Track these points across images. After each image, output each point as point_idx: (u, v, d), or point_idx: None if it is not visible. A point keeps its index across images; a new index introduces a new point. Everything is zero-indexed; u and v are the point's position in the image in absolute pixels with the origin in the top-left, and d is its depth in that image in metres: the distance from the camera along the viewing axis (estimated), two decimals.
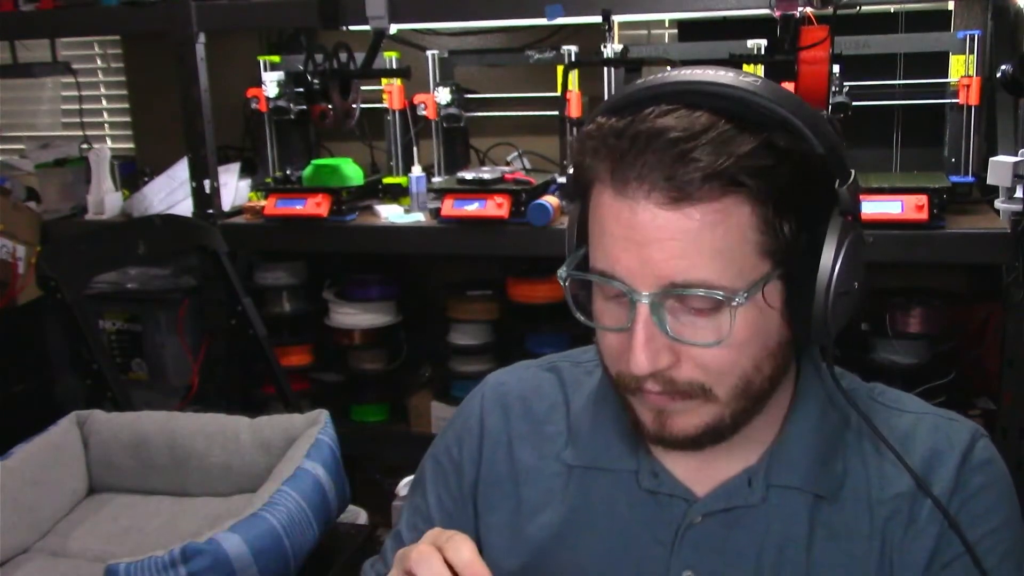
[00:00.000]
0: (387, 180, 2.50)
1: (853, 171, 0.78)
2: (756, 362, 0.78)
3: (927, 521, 0.82)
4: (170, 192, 2.54)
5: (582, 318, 0.83)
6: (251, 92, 2.46)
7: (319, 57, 2.26)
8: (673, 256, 0.73)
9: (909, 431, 0.86)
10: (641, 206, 0.73)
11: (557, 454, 0.92)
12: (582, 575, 0.88)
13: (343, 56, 2.27)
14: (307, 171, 2.37)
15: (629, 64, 2.17)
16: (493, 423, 0.96)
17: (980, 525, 0.82)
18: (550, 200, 2.16)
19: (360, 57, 2.30)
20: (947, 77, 2.16)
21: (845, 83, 2.04)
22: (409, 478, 2.28)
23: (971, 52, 2.11)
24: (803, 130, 0.75)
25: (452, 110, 2.39)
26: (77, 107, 2.97)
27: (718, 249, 0.73)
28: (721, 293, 0.73)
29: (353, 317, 2.54)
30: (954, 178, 2.10)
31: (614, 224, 0.75)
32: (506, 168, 2.45)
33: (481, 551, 0.93)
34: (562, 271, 0.83)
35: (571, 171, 0.82)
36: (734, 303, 0.74)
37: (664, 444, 0.82)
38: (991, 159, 1.94)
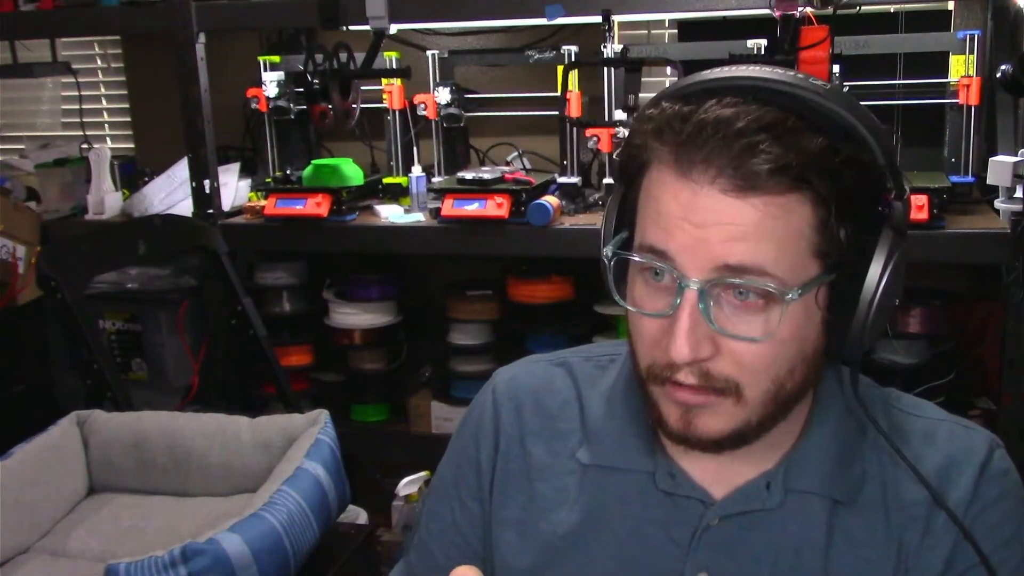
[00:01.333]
0: (387, 180, 2.50)
1: (907, 186, 0.78)
2: (791, 366, 0.78)
3: (943, 530, 0.82)
4: (170, 192, 2.54)
5: (621, 300, 0.81)
6: (251, 92, 2.46)
7: (319, 57, 2.26)
8: (731, 239, 0.72)
9: (926, 438, 0.86)
10: (704, 190, 0.73)
11: (571, 452, 0.91)
12: (597, 575, 0.87)
13: (343, 56, 2.27)
14: (307, 171, 2.37)
15: (629, 64, 2.17)
16: (506, 419, 0.95)
17: (995, 536, 0.82)
18: (550, 200, 2.16)
19: (360, 57, 2.30)
20: (947, 77, 2.16)
21: (845, 83, 2.04)
22: (409, 478, 2.29)
23: (971, 52, 2.11)
24: (868, 139, 0.75)
25: (452, 110, 2.39)
26: (77, 107, 2.97)
27: (776, 241, 0.73)
28: (774, 285, 0.73)
29: (353, 317, 2.54)
30: (954, 178, 2.10)
31: (672, 204, 0.74)
32: (506, 168, 2.45)
33: (493, 548, 0.92)
34: (607, 250, 0.82)
35: (624, 151, 0.81)
36: (788, 297, 0.73)
37: (687, 444, 0.80)
38: (991, 159, 1.94)
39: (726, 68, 0.78)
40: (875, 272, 0.76)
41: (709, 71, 0.78)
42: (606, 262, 0.82)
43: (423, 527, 1.00)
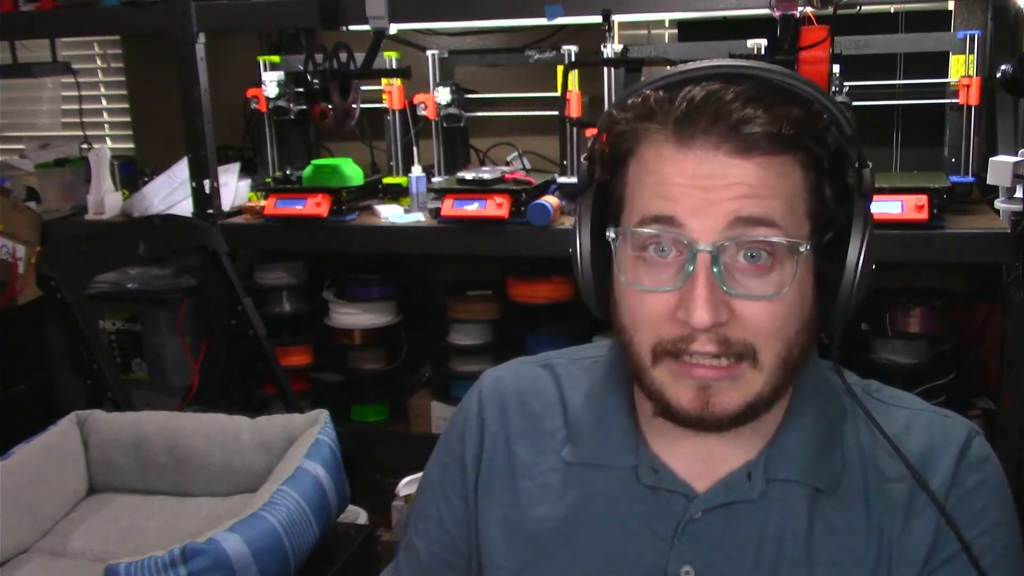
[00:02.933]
0: (387, 180, 2.50)
1: (867, 161, 0.82)
2: (797, 328, 0.79)
3: (924, 516, 0.83)
4: (170, 192, 2.54)
5: (624, 279, 0.81)
6: (251, 92, 2.46)
7: (319, 57, 2.26)
8: (740, 195, 0.75)
9: (905, 426, 0.86)
10: (709, 156, 0.76)
11: (555, 451, 0.92)
12: (582, 571, 0.88)
13: (343, 56, 2.27)
14: (307, 171, 2.37)
15: (629, 64, 2.17)
16: (491, 418, 0.96)
17: (976, 523, 0.83)
18: (550, 200, 2.16)
19: (360, 57, 2.30)
20: (947, 77, 2.16)
21: (845, 83, 2.04)
22: (409, 478, 2.29)
23: (971, 52, 2.11)
24: (835, 110, 0.80)
25: (452, 110, 2.39)
26: (77, 107, 2.97)
27: (781, 197, 0.77)
28: (788, 239, 0.76)
29: (353, 317, 2.54)
30: (954, 178, 2.10)
31: (676, 175, 0.77)
32: (506, 168, 2.45)
33: (480, 545, 0.93)
34: (611, 231, 0.82)
35: (604, 141, 0.83)
36: (801, 249, 0.77)
37: (702, 424, 0.80)
38: (991, 159, 1.94)
39: (694, 62, 0.82)
40: (857, 235, 0.79)
41: (679, 66, 0.82)
42: (612, 244, 0.82)
43: (411, 526, 1.01)
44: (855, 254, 0.79)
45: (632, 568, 0.86)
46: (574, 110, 2.26)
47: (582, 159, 0.87)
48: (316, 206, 2.28)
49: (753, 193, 0.75)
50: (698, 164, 0.76)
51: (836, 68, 2.01)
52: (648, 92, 0.80)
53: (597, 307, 0.88)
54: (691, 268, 0.76)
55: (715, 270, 0.76)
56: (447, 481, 0.98)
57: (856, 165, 0.81)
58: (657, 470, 0.87)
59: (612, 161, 0.83)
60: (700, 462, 0.86)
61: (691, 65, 0.81)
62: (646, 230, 0.78)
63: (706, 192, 0.76)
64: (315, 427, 1.61)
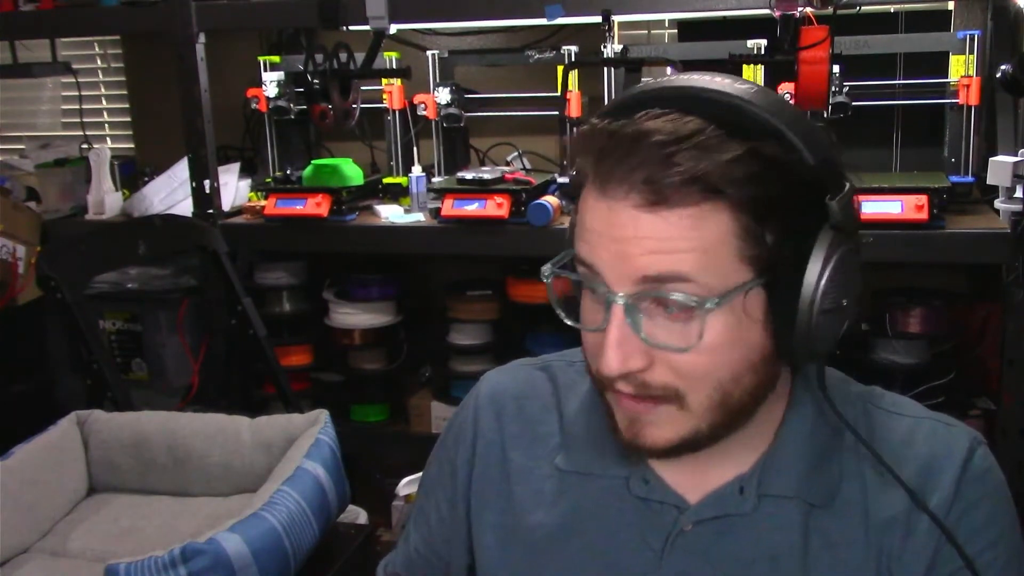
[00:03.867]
0: (387, 180, 2.50)
1: (848, 183, 0.76)
2: (734, 373, 0.76)
3: (925, 533, 0.81)
4: (170, 192, 2.54)
5: (563, 315, 0.83)
6: (251, 92, 2.46)
7: (319, 57, 2.26)
8: (648, 251, 0.73)
9: (907, 436, 0.85)
10: (620, 206, 0.73)
11: (550, 457, 0.92)
12: None
13: (343, 56, 2.27)
14: (307, 171, 2.37)
15: (629, 64, 2.17)
16: (487, 424, 0.96)
17: (979, 538, 0.81)
18: (550, 200, 2.16)
19: (360, 57, 2.30)
20: (947, 77, 2.16)
21: (845, 83, 2.04)
22: (409, 478, 2.29)
23: (971, 52, 2.11)
24: (794, 140, 0.73)
25: (452, 110, 2.39)
26: (77, 107, 2.97)
27: (695, 250, 0.72)
28: (694, 297, 0.73)
29: (353, 317, 2.54)
30: (954, 178, 2.10)
31: (596, 221, 0.76)
32: (506, 168, 2.45)
33: (475, 551, 0.93)
34: (546, 268, 0.83)
35: (572, 172, 0.82)
36: (706, 306, 0.73)
37: (638, 453, 0.81)
38: (991, 159, 1.94)
39: (657, 80, 0.79)
40: (812, 273, 0.74)
41: (641, 84, 0.79)
42: (544, 280, 0.83)
43: (411, 519, 1.03)
44: (808, 294, 0.74)
45: None
46: (574, 110, 2.26)
47: (572, 174, 0.87)
48: (316, 206, 2.28)
49: (662, 248, 0.72)
50: (610, 212, 0.74)
51: (836, 68, 2.01)
52: (596, 123, 0.76)
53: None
54: (608, 316, 0.75)
55: (629, 320, 0.75)
56: (439, 483, 0.99)
57: (827, 195, 0.74)
58: (648, 480, 0.86)
59: (573, 193, 0.82)
60: (691, 474, 0.85)
61: (641, 87, 0.78)
62: (568, 275, 0.80)
63: (619, 244, 0.74)
64: (315, 427, 1.61)
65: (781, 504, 0.83)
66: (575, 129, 2.26)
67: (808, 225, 0.75)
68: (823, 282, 0.74)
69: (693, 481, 0.85)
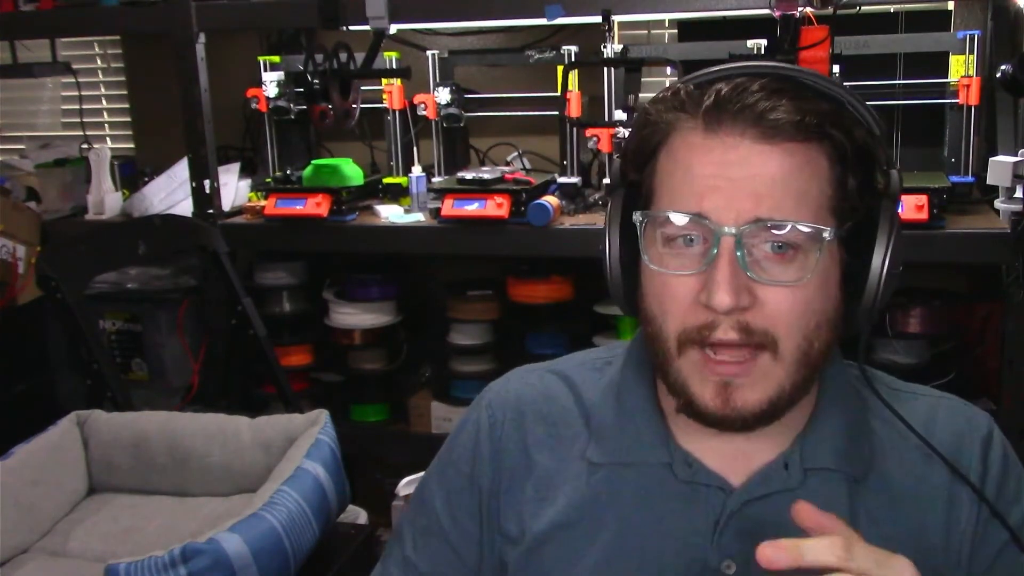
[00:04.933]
0: (387, 180, 2.50)
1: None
2: (818, 322, 0.79)
3: (968, 506, 0.84)
4: (170, 192, 2.54)
5: (651, 263, 0.81)
6: (251, 92, 2.46)
7: (319, 57, 2.26)
8: (762, 193, 0.77)
9: (930, 415, 0.88)
10: (736, 142, 0.77)
11: (578, 455, 0.90)
12: (619, 572, 0.86)
13: (343, 56, 2.27)
14: (307, 171, 2.37)
15: (629, 64, 2.17)
16: (508, 435, 0.94)
17: (1016, 509, 0.85)
18: (550, 200, 2.16)
19: (360, 57, 2.30)
20: (947, 77, 2.16)
21: (845, 83, 2.04)
22: (409, 478, 2.29)
23: (971, 52, 2.11)
24: (863, 110, 0.81)
25: (452, 110, 2.39)
26: (77, 107, 2.97)
27: (802, 192, 0.77)
28: (808, 225, 0.77)
29: (353, 317, 2.54)
30: (954, 178, 2.10)
31: (705, 164, 0.78)
32: (506, 168, 2.45)
33: (507, 561, 0.91)
34: (637, 214, 0.83)
35: (638, 135, 0.84)
36: (824, 235, 0.77)
37: (722, 424, 0.80)
38: (991, 159, 1.94)
39: (731, 63, 0.83)
40: (883, 234, 0.80)
41: (717, 67, 0.83)
42: (639, 226, 0.82)
43: (408, 543, 0.98)
44: (881, 255, 0.80)
45: (672, 566, 0.85)
46: (574, 110, 2.26)
47: (615, 157, 0.88)
48: (316, 206, 2.28)
49: (776, 184, 0.77)
50: (724, 152, 0.77)
51: (836, 68, 2.01)
52: (680, 87, 0.82)
53: (624, 303, 0.88)
54: (715, 251, 0.77)
55: (738, 254, 0.76)
56: (457, 503, 0.95)
57: (884, 167, 0.82)
58: (691, 464, 0.86)
59: (643, 154, 0.84)
60: (731, 457, 0.85)
61: (728, 65, 0.83)
62: (673, 216, 0.79)
63: (732, 182, 0.77)
64: (315, 427, 1.61)
65: (826, 478, 0.84)
66: (576, 129, 2.26)
67: (871, 190, 0.82)
68: (891, 244, 0.80)
69: (734, 464, 0.85)
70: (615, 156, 0.87)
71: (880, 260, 0.80)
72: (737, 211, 0.76)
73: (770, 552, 0.65)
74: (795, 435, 0.86)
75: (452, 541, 0.95)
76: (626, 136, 0.88)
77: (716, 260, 0.76)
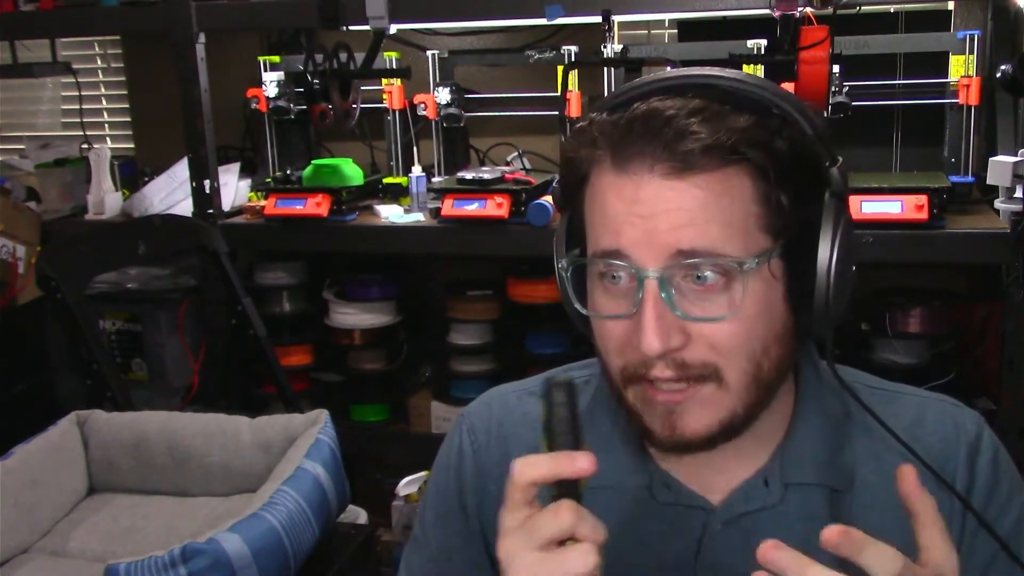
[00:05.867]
0: (387, 180, 2.50)
1: (840, 158, 0.79)
2: (764, 344, 0.77)
3: (959, 513, 0.82)
4: (170, 192, 2.54)
5: (580, 308, 0.81)
6: (251, 92, 2.46)
7: (319, 57, 2.26)
8: (680, 224, 0.73)
9: (917, 416, 0.86)
10: (645, 180, 0.74)
11: None
12: None
13: (343, 56, 2.27)
14: (307, 171, 2.37)
15: (629, 64, 2.17)
16: (492, 458, 0.92)
17: (1007, 516, 0.83)
18: (550, 200, 2.16)
19: (360, 57, 2.30)
20: (947, 77, 2.16)
21: (845, 83, 2.04)
22: (409, 478, 2.29)
23: (971, 52, 2.11)
24: (792, 112, 0.77)
25: (452, 110, 2.39)
26: (77, 107, 2.97)
27: (724, 219, 0.74)
28: (732, 260, 0.74)
29: (353, 317, 2.54)
30: (954, 178, 2.10)
31: (617, 202, 0.76)
32: (506, 168, 2.45)
33: None
34: (562, 262, 0.82)
35: (562, 171, 0.83)
36: (746, 267, 0.74)
37: (677, 449, 0.79)
38: (991, 159, 1.94)
39: (649, 76, 0.80)
40: (827, 236, 0.76)
41: (630, 82, 0.81)
42: (563, 275, 0.82)
43: (413, 562, 0.96)
44: (824, 258, 0.76)
45: None
46: (574, 110, 2.26)
47: (554, 184, 0.87)
48: (316, 206, 2.28)
49: (692, 220, 0.73)
50: (635, 189, 0.74)
51: (836, 68, 2.00)
52: (593, 116, 0.79)
53: (583, 329, 0.87)
54: (639, 295, 0.75)
55: (663, 296, 0.74)
56: (451, 535, 0.94)
57: (827, 164, 0.78)
58: (670, 486, 0.85)
59: (569, 190, 0.82)
60: (709, 474, 0.84)
61: (637, 81, 0.80)
62: (594, 262, 0.78)
63: (646, 220, 0.74)
64: (315, 427, 1.61)
65: (806, 492, 0.83)
66: (570, 128, 2.26)
67: (811, 194, 0.77)
68: (836, 246, 0.76)
69: (712, 481, 0.84)
70: (554, 183, 0.86)
71: (824, 265, 0.76)
72: (657, 249, 0.74)
73: (834, 536, 0.64)
74: (774, 447, 0.84)
75: (462, 569, 0.93)
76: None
77: (642, 304, 0.74)
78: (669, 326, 0.74)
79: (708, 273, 0.75)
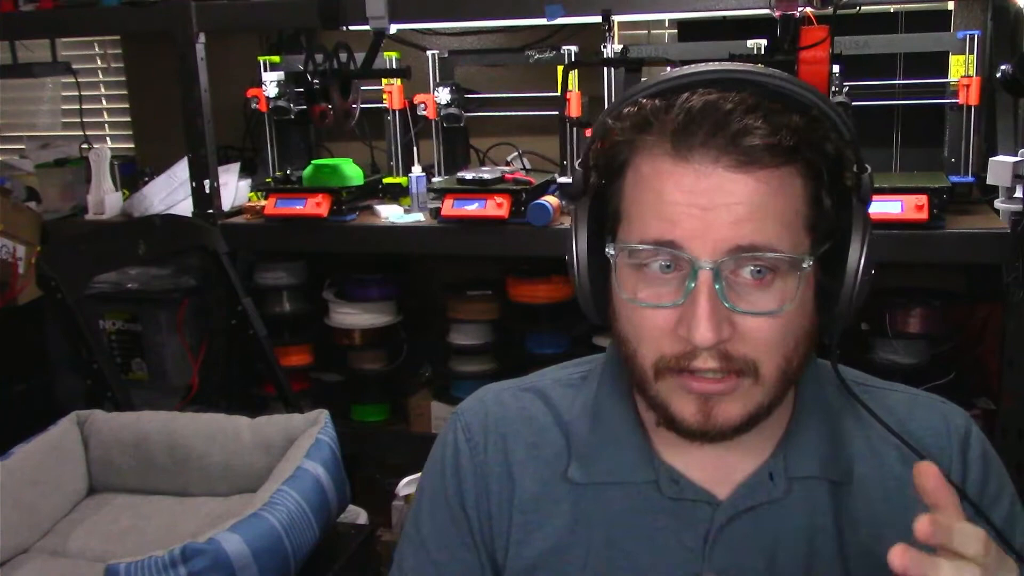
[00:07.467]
0: (387, 180, 2.51)
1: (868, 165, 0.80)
2: (796, 340, 0.78)
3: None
4: (170, 192, 2.54)
5: (625, 295, 0.79)
6: (251, 92, 2.46)
7: (319, 57, 2.26)
8: (739, 219, 0.74)
9: (907, 413, 0.88)
10: (708, 170, 0.74)
11: (561, 475, 0.88)
12: None
13: (343, 56, 2.27)
14: (307, 171, 2.37)
15: (629, 64, 2.16)
16: (490, 456, 0.91)
17: (997, 507, 0.85)
18: (550, 200, 2.16)
19: (360, 57, 2.30)
20: (947, 77, 2.16)
21: (845, 83, 2.04)
22: (409, 478, 2.29)
23: (971, 52, 2.11)
24: (834, 116, 0.78)
25: (452, 110, 2.39)
26: (77, 107, 2.97)
27: (779, 216, 0.75)
28: (788, 256, 0.75)
29: (353, 317, 2.54)
30: (954, 178, 2.10)
31: (676, 192, 0.75)
32: (506, 168, 2.45)
33: None
34: (610, 247, 0.81)
35: (596, 154, 0.82)
36: (804, 265, 0.76)
37: (704, 437, 0.79)
38: (991, 159, 1.94)
39: (690, 67, 0.79)
40: (857, 241, 0.78)
41: (674, 70, 0.80)
42: (611, 260, 0.81)
43: (406, 560, 0.95)
44: (855, 260, 0.78)
45: None
46: (574, 110, 2.26)
47: (577, 165, 0.85)
48: (316, 206, 2.28)
49: (753, 214, 0.74)
50: (696, 179, 0.74)
51: (836, 68, 2.00)
52: (644, 100, 0.78)
53: (596, 316, 0.86)
54: (692, 285, 0.74)
55: (717, 287, 0.74)
56: (449, 535, 0.92)
57: (855, 169, 0.79)
58: (677, 480, 0.85)
59: (608, 170, 0.81)
60: (714, 468, 0.85)
61: (686, 70, 0.78)
62: (646, 247, 0.77)
63: (706, 212, 0.74)
64: (315, 427, 1.61)
65: (810, 486, 0.84)
66: (576, 129, 2.26)
67: (845, 198, 0.79)
68: (866, 250, 0.78)
69: (718, 475, 0.85)
70: (576, 164, 0.84)
71: (854, 268, 0.78)
72: (714, 241, 0.74)
73: (928, 526, 0.64)
74: (776, 441, 0.85)
75: (453, 570, 0.92)
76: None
77: (694, 294, 0.74)
78: (721, 318, 0.75)
79: (763, 268, 0.75)
